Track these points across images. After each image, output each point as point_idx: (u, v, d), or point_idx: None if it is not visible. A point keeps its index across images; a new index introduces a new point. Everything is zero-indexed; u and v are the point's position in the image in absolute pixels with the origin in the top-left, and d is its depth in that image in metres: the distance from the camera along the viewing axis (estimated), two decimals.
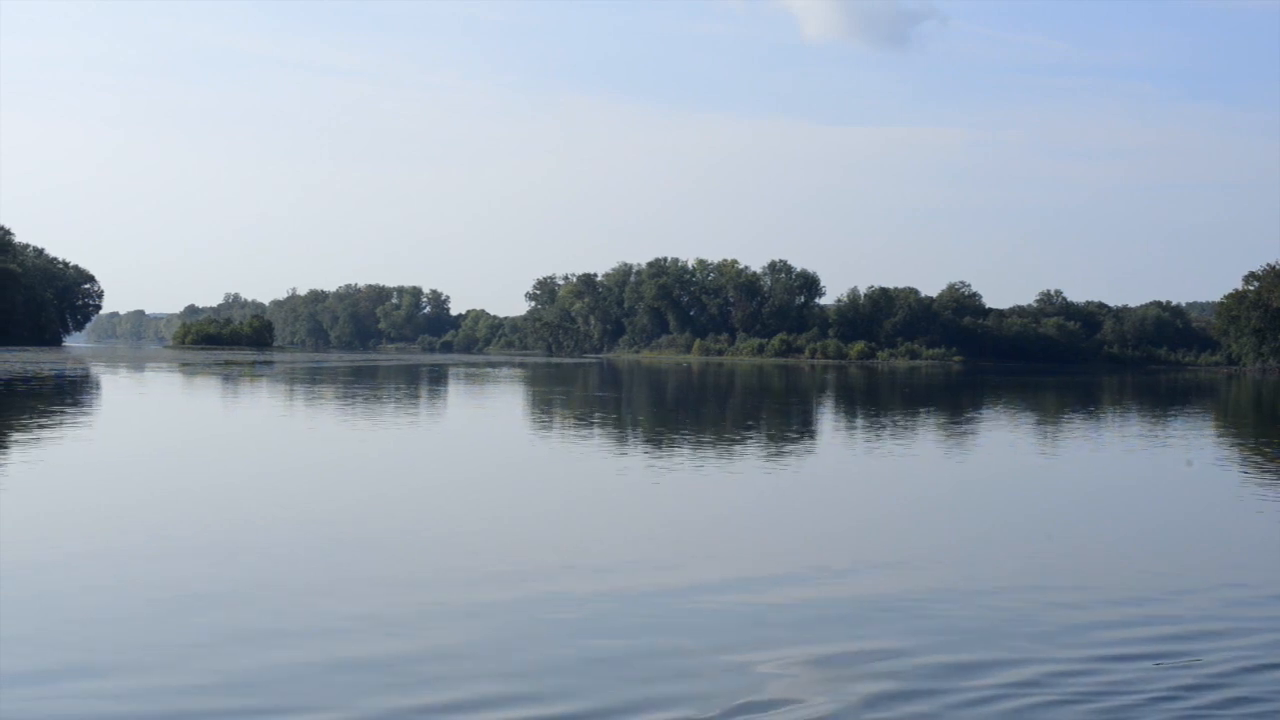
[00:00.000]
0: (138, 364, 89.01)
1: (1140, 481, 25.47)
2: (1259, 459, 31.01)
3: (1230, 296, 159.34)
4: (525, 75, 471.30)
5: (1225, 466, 29.17)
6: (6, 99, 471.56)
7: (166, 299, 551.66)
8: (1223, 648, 10.64)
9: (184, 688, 9.01)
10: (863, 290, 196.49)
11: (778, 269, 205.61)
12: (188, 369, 79.72)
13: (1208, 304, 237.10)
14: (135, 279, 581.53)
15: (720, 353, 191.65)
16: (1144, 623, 11.55)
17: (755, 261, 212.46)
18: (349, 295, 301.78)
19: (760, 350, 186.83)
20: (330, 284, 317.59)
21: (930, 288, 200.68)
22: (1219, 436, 39.69)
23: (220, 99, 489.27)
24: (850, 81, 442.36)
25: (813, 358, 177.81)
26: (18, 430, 29.57)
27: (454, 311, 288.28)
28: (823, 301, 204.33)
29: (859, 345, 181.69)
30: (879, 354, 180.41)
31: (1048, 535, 16.90)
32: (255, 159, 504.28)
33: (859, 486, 23.42)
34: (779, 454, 28.60)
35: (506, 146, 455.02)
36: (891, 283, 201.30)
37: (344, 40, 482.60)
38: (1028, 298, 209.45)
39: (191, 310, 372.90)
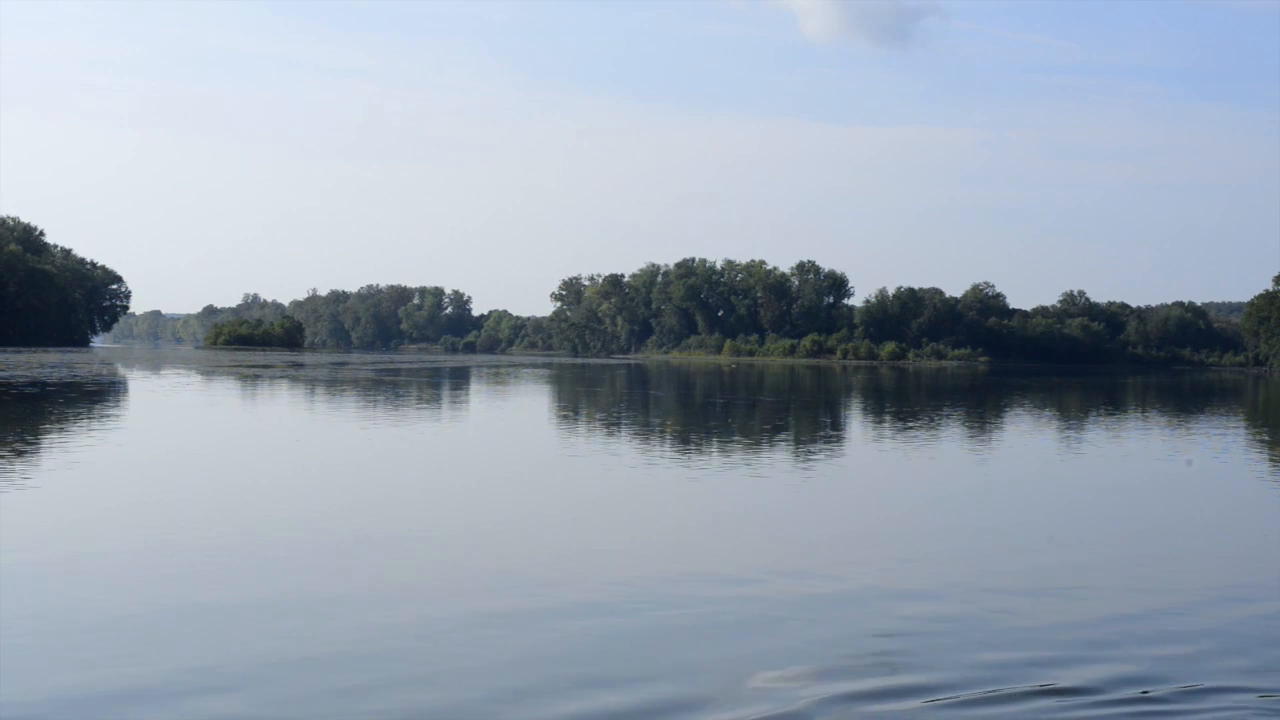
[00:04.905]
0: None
1: (1145, 483, 26.07)
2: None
3: (1261, 297, 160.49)
4: (533, 76, 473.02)
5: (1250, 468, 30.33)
6: (21, 99, 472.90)
7: (183, 299, 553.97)
8: (1210, 652, 11.05)
9: (187, 689, 9.23)
10: (890, 291, 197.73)
11: (806, 269, 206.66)
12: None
13: (1223, 304, 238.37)
14: (150, 279, 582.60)
15: (751, 354, 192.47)
16: (1134, 625, 11.94)
17: (774, 261, 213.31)
18: (371, 295, 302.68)
19: (791, 351, 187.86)
20: (349, 284, 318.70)
21: (948, 287, 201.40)
22: (1260, 440, 40.65)
23: (233, 100, 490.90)
24: (854, 81, 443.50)
25: (844, 359, 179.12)
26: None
27: (476, 312, 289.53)
28: (848, 302, 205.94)
29: (890, 346, 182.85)
30: (909, 354, 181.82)
31: (1048, 537, 17.37)
32: (270, 159, 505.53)
33: (869, 487, 24.17)
34: (809, 455, 29.47)
35: (518, 148, 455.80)
36: (908, 283, 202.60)
37: (354, 40, 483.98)
38: (1045, 297, 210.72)
39: (210, 310, 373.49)
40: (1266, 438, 41.78)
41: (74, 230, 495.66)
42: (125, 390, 55.16)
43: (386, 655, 10.22)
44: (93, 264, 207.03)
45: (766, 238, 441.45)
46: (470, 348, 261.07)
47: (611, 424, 39.75)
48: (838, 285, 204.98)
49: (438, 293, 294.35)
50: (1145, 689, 9.74)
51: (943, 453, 31.64)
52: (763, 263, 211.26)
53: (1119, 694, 9.62)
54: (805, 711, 8.97)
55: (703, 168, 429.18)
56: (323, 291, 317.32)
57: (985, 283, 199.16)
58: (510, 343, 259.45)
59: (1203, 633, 11.76)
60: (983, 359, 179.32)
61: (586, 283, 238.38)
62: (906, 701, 9.28)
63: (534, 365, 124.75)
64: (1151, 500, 23.21)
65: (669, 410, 48.82)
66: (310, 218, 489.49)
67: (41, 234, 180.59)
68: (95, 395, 48.54)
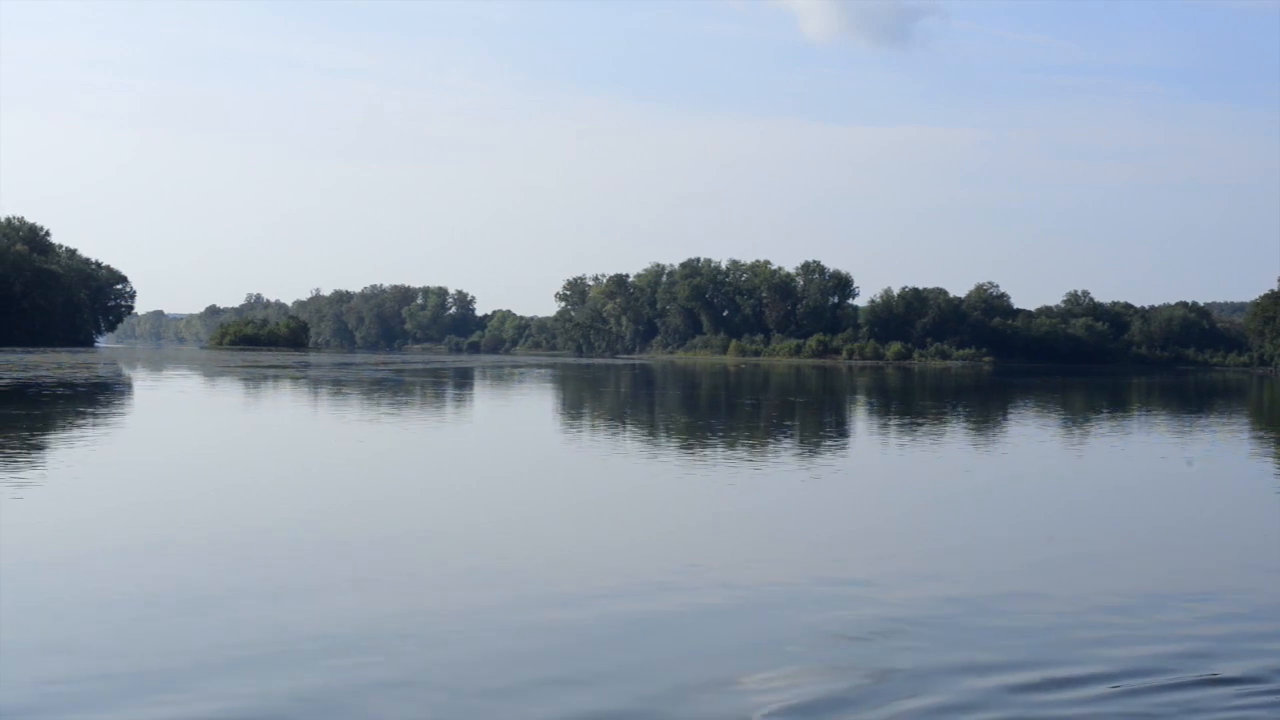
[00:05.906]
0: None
1: (1147, 484, 26.17)
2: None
3: (1266, 297, 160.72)
4: (533, 76, 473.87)
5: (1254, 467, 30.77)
6: (21, 99, 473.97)
7: (184, 299, 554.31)
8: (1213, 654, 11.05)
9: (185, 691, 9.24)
10: (895, 291, 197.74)
11: (811, 269, 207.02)
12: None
13: (1226, 304, 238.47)
14: (152, 279, 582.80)
15: (756, 354, 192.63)
16: (1135, 620, 12.14)
17: (776, 261, 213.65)
18: (374, 296, 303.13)
19: (797, 351, 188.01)
20: (350, 284, 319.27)
21: (952, 288, 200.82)
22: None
23: (233, 100, 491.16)
24: (854, 81, 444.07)
25: (850, 359, 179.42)
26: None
27: (479, 312, 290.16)
28: (853, 302, 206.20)
29: (895, 346, 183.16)
30: (914, 354, 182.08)
31: (1048, 537, 17.49)
32: (270, 159, 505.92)
33: (873, 486, 24.50)
34: (814, 454, 29.84)
35: (518, 148, 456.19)
36: (911, 283, 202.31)
37: (354, 40, 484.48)
38: (1047, 297, 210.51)
39: (213, 311, 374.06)
40: (1270, 438, 42.14)
41: (74, 230, 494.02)
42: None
43: (389, 652, 10.33)
44: (97, 264, 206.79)
45: (767, 238, 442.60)
46: (474, 348, 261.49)
47: (620, 425, 40.15)
48: (843, 285, 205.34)
49: (441, 293, 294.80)
50: (1158, 679, 9.94)
51: (945, 452, 31.97)
52: (767, 263, 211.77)
53: (1133, 684, 9.81)
54: (809, 706, 9.20)
55: (703, 168, 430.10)
56: (326, 291, 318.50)
57: (989, 283, 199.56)
58: (514, 343, 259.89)
59: (1214, 626, 11.98)
60: (987, 359, 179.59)
61: (591, 283, 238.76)
62: (911, 692, 9.55)
63: (539, 365, 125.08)
64: (1152, 500, 23.49)
65: (688, 411, 49.25)
66: (311, 218, 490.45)
67: (47, 234, 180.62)
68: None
